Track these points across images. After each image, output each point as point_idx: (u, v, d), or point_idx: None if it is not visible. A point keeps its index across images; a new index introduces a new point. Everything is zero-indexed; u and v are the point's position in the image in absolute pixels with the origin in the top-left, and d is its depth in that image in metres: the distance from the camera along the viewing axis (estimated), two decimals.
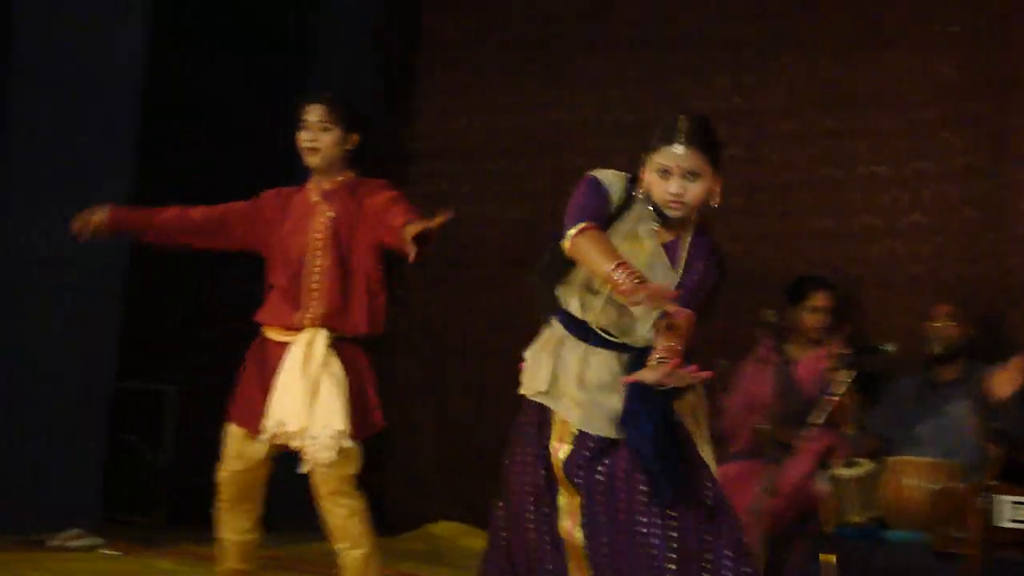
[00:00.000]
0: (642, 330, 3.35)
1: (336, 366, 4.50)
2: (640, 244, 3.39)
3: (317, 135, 4.54)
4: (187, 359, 7.32)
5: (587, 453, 3.35)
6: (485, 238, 7.67)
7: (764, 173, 6.66)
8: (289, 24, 7.51)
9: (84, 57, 6.25)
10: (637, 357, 3.32)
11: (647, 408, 3.27)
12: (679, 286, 3.32)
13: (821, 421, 5.09)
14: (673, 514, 3.28)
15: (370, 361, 4.66)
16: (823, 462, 5.28)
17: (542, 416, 3.43)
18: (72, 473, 6.20)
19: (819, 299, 5.88)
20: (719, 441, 4.19)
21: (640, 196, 3.39)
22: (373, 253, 4.55)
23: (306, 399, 4.45)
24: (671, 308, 3.16)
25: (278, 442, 4.48)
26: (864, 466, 5.28)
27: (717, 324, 4.34)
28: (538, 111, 7.56)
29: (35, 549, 5.82)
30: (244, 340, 7.32)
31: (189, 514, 7.05)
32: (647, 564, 3.26)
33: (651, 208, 3.37)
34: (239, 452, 4.55)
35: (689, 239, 3.42)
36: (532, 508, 3.40)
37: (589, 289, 3.38)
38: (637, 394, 3.26)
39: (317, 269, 4.54)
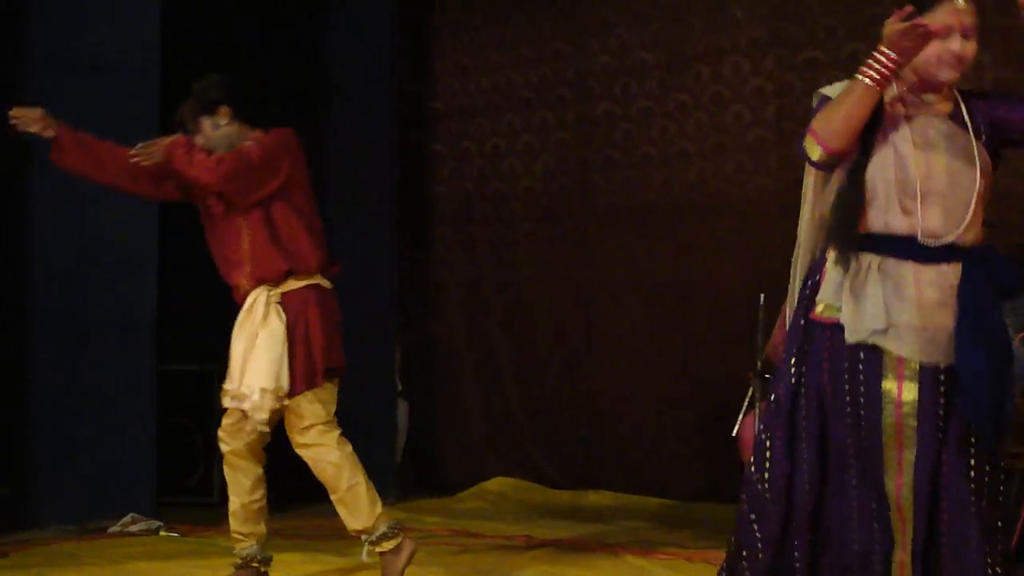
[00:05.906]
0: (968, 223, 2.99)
1: (275, 321, 4.33)
2: (930, 125, 3.04)
3: None
4: (228, 338, 7.30)
5: (933, 391, 2.96)
6: (512, 192, 7.64)
7: (790, 102, 6.60)
8: None
9: (100, 39, 6.23)
10: (972, 265, 2.98)
11: (981, 332, 2.92)
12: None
13: None
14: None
15: (326, 303, 4.43)
16: None
17: (868, 359, 3.00)
18: (124, 459, 6.21)
19: None
20: None
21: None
22: (280, 198, 4.41)
23: (241, 360, 4.34)
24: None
25: (234, 406, 4.37)
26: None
27: None
28: (556, 61, 7.50)
29: (96, 537, 5.83)
30: None
31: None
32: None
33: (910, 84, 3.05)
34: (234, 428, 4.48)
35: (964, 108, 3.05)
36: (855, 470, 3.02)
37: (906, 193, 3.00)
38: (970, 315, 2.92)
39: (244, 226, 4.44)
